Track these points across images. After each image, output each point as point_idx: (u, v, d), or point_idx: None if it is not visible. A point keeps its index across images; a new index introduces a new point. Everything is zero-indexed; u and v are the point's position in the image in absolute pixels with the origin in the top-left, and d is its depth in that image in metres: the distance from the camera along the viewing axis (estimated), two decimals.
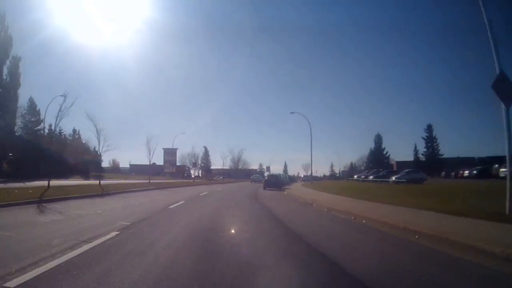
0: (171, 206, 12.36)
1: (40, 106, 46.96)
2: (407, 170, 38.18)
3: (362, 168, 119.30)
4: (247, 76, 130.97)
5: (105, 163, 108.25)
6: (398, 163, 71.19)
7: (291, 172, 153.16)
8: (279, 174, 42.18)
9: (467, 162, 64.83)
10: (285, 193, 26.74)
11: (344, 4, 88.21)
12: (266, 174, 43.64)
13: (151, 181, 33.78)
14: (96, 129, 21.23)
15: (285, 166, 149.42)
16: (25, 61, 38.03)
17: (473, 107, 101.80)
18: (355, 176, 51.66)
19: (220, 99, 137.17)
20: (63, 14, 54.61)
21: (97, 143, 22.18)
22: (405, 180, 32.79)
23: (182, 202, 14.69)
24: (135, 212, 9.92)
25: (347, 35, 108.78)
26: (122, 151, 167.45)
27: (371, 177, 43.42)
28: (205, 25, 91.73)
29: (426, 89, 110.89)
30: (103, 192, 16.88)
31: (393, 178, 35.88)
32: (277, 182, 31.64)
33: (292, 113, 47.94)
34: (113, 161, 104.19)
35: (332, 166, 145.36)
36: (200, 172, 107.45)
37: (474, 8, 8.90)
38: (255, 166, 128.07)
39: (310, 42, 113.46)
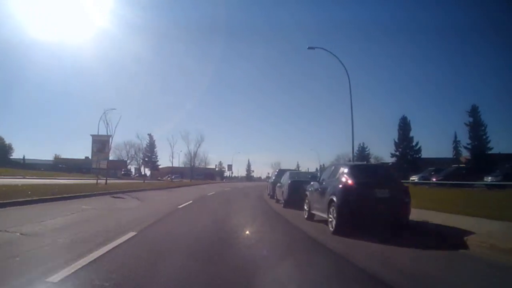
0: None
1: None
2: None
3: None
4: (221, 70, 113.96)
5: (48, 157, 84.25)
6: (421, 160, 49.90)
7: (257, 173, 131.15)
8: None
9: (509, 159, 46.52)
10: None
11: None
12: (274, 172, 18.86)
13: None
14: None
15: (249, 166, 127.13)
16: None
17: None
18: (419, 178, 28.79)
19: (180, 90, 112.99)
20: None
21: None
22: None
23: None
24: None
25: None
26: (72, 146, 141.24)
27: (489, 178, 20.50)
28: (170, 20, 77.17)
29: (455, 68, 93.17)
30: None
31: None
32: (327, 195, 6.75)
33: (312, 48, 24.91)
34: (56, 156, 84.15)
35: (298, 166, 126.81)
36: (143, 168, 79.35)
37: None
38: (213, 165, 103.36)
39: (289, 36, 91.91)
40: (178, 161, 79.59)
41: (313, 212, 8.59)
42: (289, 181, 12.28)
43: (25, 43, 73.69)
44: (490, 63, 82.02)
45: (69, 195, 13.41)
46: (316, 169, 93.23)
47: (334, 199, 6.91)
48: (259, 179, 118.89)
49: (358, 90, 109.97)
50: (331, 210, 7.01)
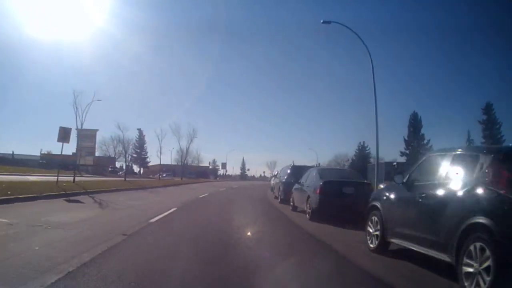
0: None
1: None
2: None
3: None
4: (217, 68, 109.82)
5: (36, 151, 78.04)
6: None
7: (252, 172, 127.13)
8: None
9: None
10: None
11: None
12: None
13: None
14: None
15: (243, 164, 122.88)
16: None
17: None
18: None
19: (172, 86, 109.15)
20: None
21: None
22: None
23: None
24: None
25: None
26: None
27: None
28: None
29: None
30: None
31: None
32: None
33: (327, 22, 21.16)
34: (45, 151, 78.57)
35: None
36: (132, 166, 74.55)
37: None
38: (206, 163, 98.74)
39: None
40: (170, 159, 75.16)
41: (395, 241, 4.57)
42: (321, 182, 8.25)
43: (22, 42, 69.98)
44: (505, 59, 77.57)
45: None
46: None
47: (489, 225, 2.87)
48: (253, 177, 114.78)
49: (360, 88, 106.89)
50: (472, 248, 3.00)
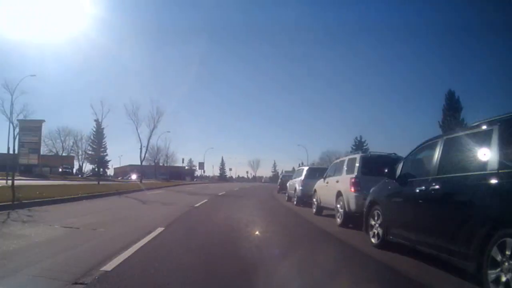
0: None
1: None
2: None
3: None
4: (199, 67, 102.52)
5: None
6: None
7: (233, 172, 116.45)
8: None
9: None
10: None
11: None
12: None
13: None
14: None
15: (222, 164, 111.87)
16: None
17: None
18: None
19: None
20: None
21: None
22: None
23: None
24: None
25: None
26: None
27: None
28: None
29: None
30: None
31: None
32: None
33: None
34: None
35: (275, 165, 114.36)
36: (84, 165, 61.00)
37: None
38: (182, 163, 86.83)
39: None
40: (140, 159, 62.79)
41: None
42: None
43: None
44: None
45: None
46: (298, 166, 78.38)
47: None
48: (231, 178, 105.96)
49: (347, 84, 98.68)
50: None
